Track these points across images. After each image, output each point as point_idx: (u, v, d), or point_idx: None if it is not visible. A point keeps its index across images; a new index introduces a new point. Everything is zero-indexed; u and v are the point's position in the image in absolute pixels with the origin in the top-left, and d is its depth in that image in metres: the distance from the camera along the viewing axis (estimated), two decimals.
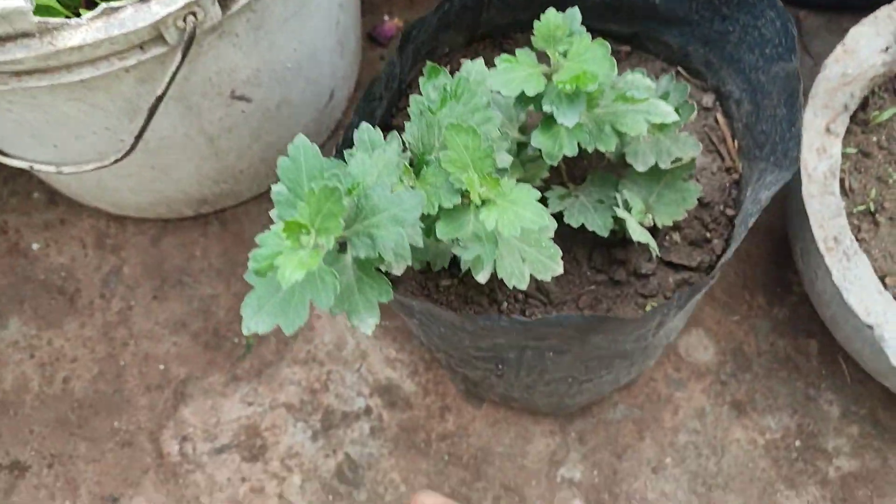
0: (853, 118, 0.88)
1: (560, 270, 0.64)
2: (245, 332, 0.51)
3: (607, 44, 0.63)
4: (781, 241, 1.00)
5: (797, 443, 0.93)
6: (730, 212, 0.78)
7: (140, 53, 0.70)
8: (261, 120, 0.90)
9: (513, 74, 0.64)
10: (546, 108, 0.65)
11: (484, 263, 0.63)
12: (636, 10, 0.79)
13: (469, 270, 0.63)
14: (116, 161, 0.80)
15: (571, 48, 0.64)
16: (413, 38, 0.72)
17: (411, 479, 0.93)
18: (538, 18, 0.65)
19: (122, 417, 0.97)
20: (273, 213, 0.58)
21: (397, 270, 0.57)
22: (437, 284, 0.76)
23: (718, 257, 0.77)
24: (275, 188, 0.52)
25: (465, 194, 0.58)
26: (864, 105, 0.89)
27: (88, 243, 1.04)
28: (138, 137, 0.77)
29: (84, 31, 0.66)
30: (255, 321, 0.51)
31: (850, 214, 0.84)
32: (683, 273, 0.77)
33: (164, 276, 1.02)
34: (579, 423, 0.94)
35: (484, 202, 0.56)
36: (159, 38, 0.70)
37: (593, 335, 0.67)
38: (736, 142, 0.80)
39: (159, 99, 0.73)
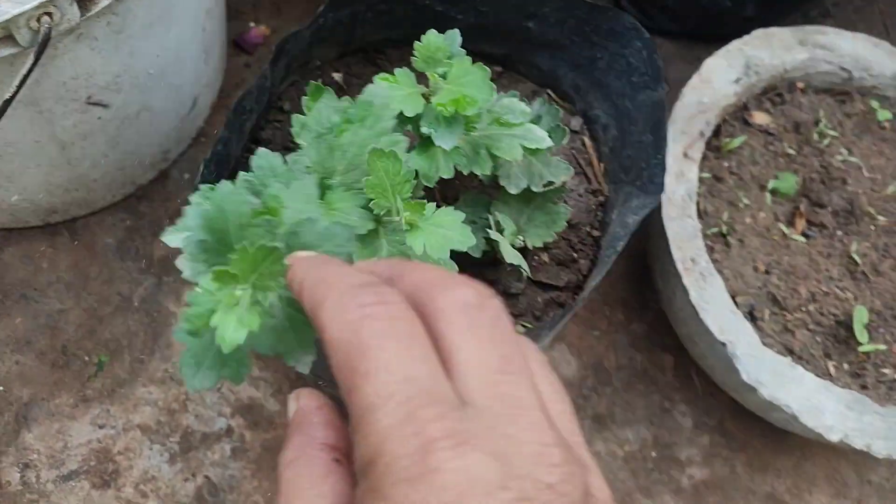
0: (707, 145, 0.93)
1: None
2: (190, 390, 0.48)
3: (487, 69, 0.63)
4: (640, 260, 1.04)
5: (653, 453, 0.96)
6: (596, 233, 0.80)
7: None
8: (119, 127, 0.86)
9: (392, 94, 0.63)
10: (424, 129, 0.64)
11: None
12: (510, 32, 0.80)
13: None
14: None
15: (451, 70, 0.64)
16: (286, 51, 0.70)
17: (275, 500, 0.90)
18: (412, 36, 0.65)
19: None
20: (173, 239, 0.55)
21: None
22: None
23: (585, 277, 0.79)
24: (192, 217, 0.49)
25: (378, 219, 0.57)
26: (716, 132, 0.94)
27: None
28: None
29: None
30: (197, 379, 0.48)
31: (704, 236, 0.88)
32: (551, 292, 0.78)
33: (6, 289, 0.95)
34: None
35: (410, 226, 0.56)
36: (9, 39, 0.65)
37: None
38: (602, 165, 0.83)
39: (6, 103, 0.68)
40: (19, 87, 0.67)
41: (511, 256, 0.69)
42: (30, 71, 0.66)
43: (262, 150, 0.57)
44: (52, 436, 0.90)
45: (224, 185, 0.48)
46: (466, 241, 0.59)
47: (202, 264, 0.49)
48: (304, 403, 0.37)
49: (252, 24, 1.08)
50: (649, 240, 0.94)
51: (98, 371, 0.93)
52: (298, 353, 0.51)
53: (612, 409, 0.98)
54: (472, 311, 0.32)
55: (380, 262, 0.38)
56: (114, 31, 0.73)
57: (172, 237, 0.57)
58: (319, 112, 0.64)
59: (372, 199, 0.57)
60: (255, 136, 0.76)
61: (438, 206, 0.75)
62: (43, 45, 0.64)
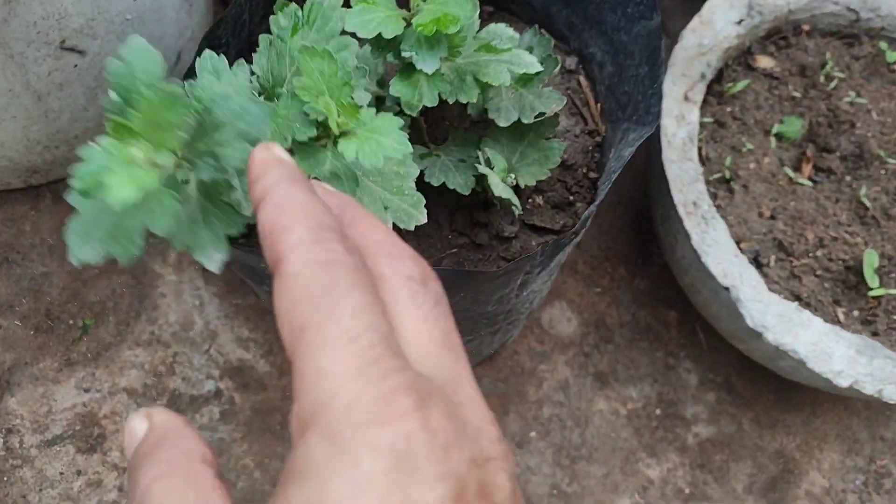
0: (709, 89, 0.89)
1: (424, 219, 0.61)
2: (74, 262, 0.45)
3: None
4: (642, 214, 1.01)
5: (657, 411, 0.93)
6: (593, 175, 0.77)
7: None
8: (97, 78, 0.83)
9: (370, 16, 0.60)
10: (405, 53, 0.61)
11: None
12: None
13: None
14: None
15: None
16: None
17: (266, 463, 0.87)
18: None
19: None
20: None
21: (247, 210, 0.52)
22: None
23: (583, 221, 0.75)
24: (109, 97, 0.46)
25: (321, 129, 0.54)
26: (719, 77, 0.91)
27: None
28: None
29: None
30: (82, 250, 0.45)
31: (706, 182, 0.85)
32: (547, 236, 0.75)
33: None
34: None
35: (342, 133, 0.52)
36: None
37: (454, 292, 0.64)
38: (599, 104, 0.79)
39: None
40: None
41: (500, 189, 0.65)
42: None
43: (206, 52, 0.54)
44: (35, 400, 0.88)
45: (135, 39, 0.44)
46: (402, 148, 0.53)
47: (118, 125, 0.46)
48: (166, 419, 0.34)
49: None
50: (650, 187, 0.90)
51: (83, 334, 0.91)
52: (209, 248, 0.48)
53: (614, 367, 0.94)
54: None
55: (332, 195, 0.35)
56: None
57: None
58: (276, 21, 0.61)
59: (307, 103, 0.53)
60: None
61: (427, 147, 0.72)
62: None
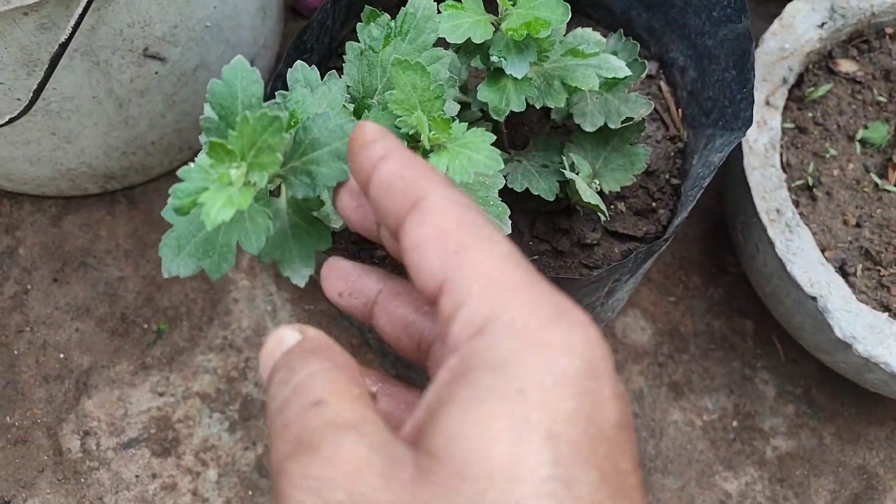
0: (789, 94, 0.87)
1: (508, 230, 0.60)
2: (165, 275, 0.45)
3: None
4: (717, 222, 0.99)
5: (734, 423, 0.91)
6: (675, 181, 0.76)
7: None
8: (175, 84, 0.83)
9: (459, 21, 0.59)
10: (494, 58, 0.61)
11: None
12: None
13: None
14: (11, 120, 0.72)
15: None
16: None
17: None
18: None
19: (15, 412, 0.88)
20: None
21: (336, 223, 0.52)
22: (372, 255, 0.71)
23: (664, 227, 0.74)
24: (205, 114, 0.46)
25: (411, 140, 0.53)
26: (798, 82, 0.89)
27: None
28: (37, 93, 0.70)
29: None
30: (175, 264, 0.45)
31: (788, 189, 0.83)
32: (629, 243, 0.74)
33: (66, 257, 0.94)
34: None
35: (433, 147, 0.51)
36: None
37: None
38: (680, 110, 0.78)
39: (62, 47, 0.66)
40: (75, 27, 0.65)
41: (588, 195, 0.64)
42: (85, 9, 0.64)
43: (298, 63, 0.54)
44: (112, 403, 0.88)
45: (237, 60, 0.44)
46: (494, 164, 0.53)
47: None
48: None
49: None
50: (729, 194, 0.88)
51: (157, 339, 0.91)
52: (297, 263, 0.48)
53: (689, 377, 0.92)
54: None
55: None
56: None
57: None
58: (367, 31, 0.60)
59: (399, 117, 0.53)
60: None
61: (508, 153, 0.71)
62: None
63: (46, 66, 0.67)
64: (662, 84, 0.79)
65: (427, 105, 0.51)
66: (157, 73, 0.80)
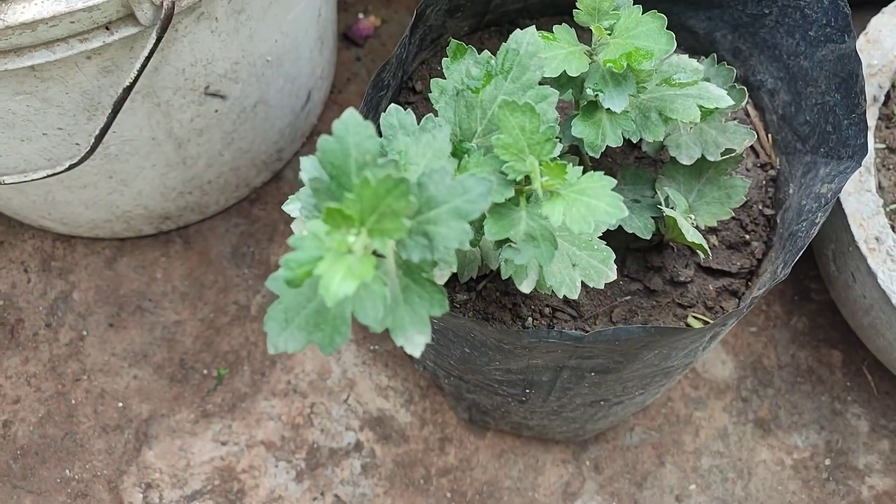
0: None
1: (613, 276, 0.56)
2: (271, 350, 0.41)
3: (663, 16, 0.55)
4: None
5: (826, 461, 0.86)
6: (769, 211, 0.71)
7: (105, 34, 0.60)
8: (235, 122, 0.80)
9: (552, 52, 0.56)
10: (589, 91, 0.57)
11: (528, 270, 0.54)
12: None
13: (492, 282, 0.54)
14: (71, 167, 0.69)
15: (619, 22, 0.56)
16: (426, 17, 0.64)
17: None
18: (552, 4, 0.57)
19: (75, 465, 0.84)
20: (293, 208, 0.48)
21: (440, 279, 0.48)
22: (453, 300, 0.67)
23: (759, 261, 0.70)
24: (307, 169, 0.42)
25: (517, 187, 0.49)
26: (885, 100, 0.84)
27: (31, 267, 0.92)
28: (99, 139, 0.67)
29: (40, 3, 0.55)
30: (282, 339, 0.41)
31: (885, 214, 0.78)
32: (723, 279, 0.69)
33: (121, 301, 0.91)
34: (594, 450, 0.86)
35: (547, 194, 0.47)
36: (129, 17, 0.60)
37: (646, 351, 0.59)
38: (770, 135, 0.73)
39: (127, 91, 0.63)
40: (140, 70, 0.62)
41: (691, 235, 0.60)
42: (152, 51, 0.60)
43: (392, 107, 0.50)
44: (173, 453, 0.85)
45: (348, 113, 0.40)
46: (616, 212, 0.48)
47: (313, 211, 0.42)
48: None
49: (361, 15, 1.03)
50: None
51: (217, 384, 0.88)
52: (410, 329, 0.44)
53: (776, 413, 0.87)
54: None
55: None
56: (234, 10, 0.67)
57: (293, 205, 0.50)
58: (460, 71, 0.56)
59: (506, 162, 0.48)
60: None
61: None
62: (166, 22, 0.59)
63: (109, 110, 0.64)
64: (749, 108, 0.74)
65: (537, 148, 0.47)
66: (216, 111, 0.77)
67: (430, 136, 0.44)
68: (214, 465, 0.85)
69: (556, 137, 0.47)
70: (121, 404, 0.87)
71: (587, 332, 0.65)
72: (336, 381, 0.88)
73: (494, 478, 0.85)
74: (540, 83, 0.55)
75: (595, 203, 0.46)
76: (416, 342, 0.43)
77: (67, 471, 0.84)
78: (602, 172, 0.47)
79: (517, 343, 0.57)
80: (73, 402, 0.87)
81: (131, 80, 0.62)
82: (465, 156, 0.49)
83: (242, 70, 0.75)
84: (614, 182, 0.47)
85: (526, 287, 0.54)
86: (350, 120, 0.39)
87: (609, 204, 0.46)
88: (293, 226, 0.48)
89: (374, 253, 0.42)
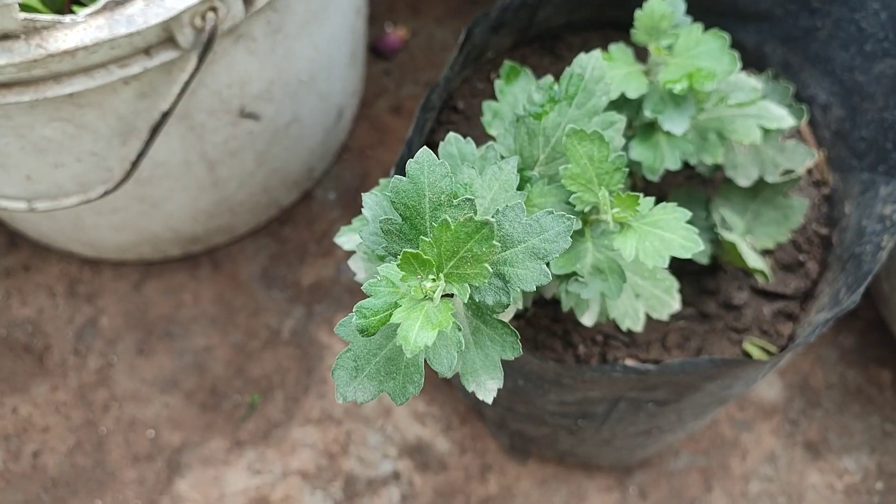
0: None
1: (678, 307, 0.54)
2: (339, 400, 0.39)
3: (725, 36, 0.53)
4: None
5: (879, 485, 0.83)
6: (823, 231, 0.69)
7: (145, 60, 0.58)
8: (268, 142, 0.78)
9: (611, 73, 0.53)
10: (648, 113, 0.55)
11: (590, 302, 0.52)
12: (711, 3, 0.70)
13: (541, 307, 0.52)
14: (107, 193, 0.67)
15: (678, 41, 0.54)
16: (475, 35, 0.62)
17: None
18: (598, 18, 0.55)
19: (106, 495, 0.82)
20: (346, 240, 0.46)
21: (505, 316, 0.46)
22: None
23: (815, 282, 0.67)
24: (370, 206, 0.40)
25: (583, 217, 0.47)
26: None
27: (58, 292, 0.90)
28: (135, 164, 0.65)
29: (82, 30, 0.53)
30: (352, 388, 0.39)
31: None
32: (778, 302, 0.67)
33: (149, 326, 0.89)
34: (639, 476, 0.83)
35: (620, 226, 0.45)
36: (169, 41, 0.58)
37: (710, 382, 0.57)
38: (823, 152, 0.71)
39: (165, 115, 0.61)
40: (180, 95, 0.60)
41: (752, 260, 0.58)
42: (193, 75, 0.58)
43: (452, 135, 0.48)
44: (207, 483, 0.83)
45: (424, 153, 0.38)
46: (692, 245, 0.46)
47: (382, 253, 0.40)
48: None
49: (389, 27, 1.01)
50: None
51: (250, 412, 0.86)
52: (482, 374, 0.41)
53: (825, 435, 0.85)
54: None
55: None
56: (272, 29, 0.65)
57: (346, 237, 0.48)
58: (515, 94, 0.54)
59: (573, 193, 0.46)
60: (429, 140, 0.68)
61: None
62: (207, 46, 0.57)
63: (146, 135, 0.62)
64: (802, 124, 0.72)
65: (605, 178, 0.45)
66: (250, 132, 0.75)
67: (496, 167, 0.42)
68: (249, 495, 0.82)
69: (626, 167, 0.45)
70: (152, 433, 0.85)
71: (641, 360, 0.63)
72: (372, 407, 0.86)
73: None
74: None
75: (669, 236, 0.44)
76: (488, 388, 0.41)
77: (99, 502, 0.82)
78: (674, 204, 0.45)
79: (578, 378, 0.54)
80: (103, 431, 0.84)
81: (170, 105, 0.60)
82: (528, 185, 0.47)
83: (277, 90, 0.73)
84: (689, 214, 0.44)
85: (588, 320, 0.52)
86: (424, 159, 0.37)
87: (684, 237, 0.44)
88: (351, 263, 0.46)
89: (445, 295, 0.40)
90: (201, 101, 0.67)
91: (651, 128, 0.56)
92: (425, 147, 0.37)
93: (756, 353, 0.63)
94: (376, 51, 0.99)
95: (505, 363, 0.60)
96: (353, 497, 0.82)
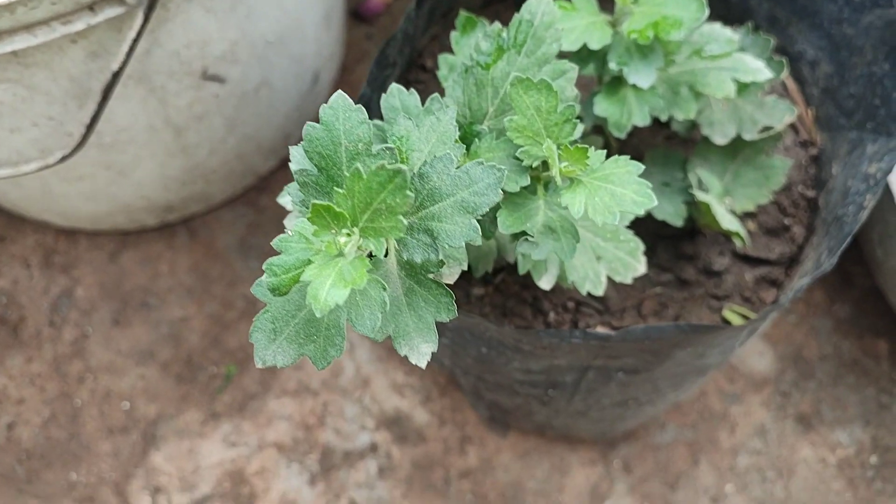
0: None
1: (643, 269, 0.51)
2: (258, 364, 0.37)
3: None
4: None
5: (873, 458, 0.80)
6: (810, 193, 0.65)
7: (90, 16, 0.55)
8: (237, 106, 0.76)
9: (571, 23, 0.51)
10: (613, 65, 0.52)
11: (548, 265, 0.49)
12: None
13: (510, 274, 0.49)
14: (64, 158, 0.65)
15: None
16: None
17: None
18: None
19: (81, 468, 0.81)
20: (287, 201, 0.43)
21: (449, 278, 0.43)
22: (469, 294, 0.62)
23: (800, 247, 0.64)
24: (297, 159, 0.38)
25: (533, 173, 0.44)
26: None
27: (33, 263, 0.88)
28: (90, 127, 0.62)
29: None
30: (271, 352, 0.37)
31: None
32: (761, 268, 0.64)
33: (125, 297, 0.87)
34: (623, 449, 0.81)
35: (566, 181, 0.42)
36: None
37: (679, 349, 0.54)
38: (811, 110, 0.68)
39: (115, 75, 0.59)
40: (129, 54, 0.57)
41: (727, 222, 0.55)
42: (140, 33, 0.56)
43: (394, 86, 0.45)
44: (181, 456, 0.81)
45: (339, 97, 0.35)
46: (645, 201, 0.43)
47: (300, 207, 0.37)
48: None
49: None
50: None
51: (226, 383, 0.84)
52: (415, 337, 0.39)
53: (818, 408, 0.82)
54: None
55: None
56: None
57: (287, 198, 0.46)
58: (469, 45, 0.51)
59: (520, 147, 0.43)
60: None
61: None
62: (152, 2, 0.54)
63: (99, 96, 0.60)
64: (788, 81, 0.69)
65: (554, 131, 0.42)
66: (216, 95, 0.72)
67: (434, 118, 0.39)
68: (224, 467, 0.81)
69: (577, 118, 0.42)
70: (127, 405, 0.83)
71: (614, 327, 0.60)
72: (349, 378, 0.84)
73: (518, 479, 0.80)
74: (558, 57, 0.49)
75: (620, 191, 0.41)
76: (421, 351, 0.39)
77: (73, 474, 0.81)
78: (628, 156, 0.42)
79: (537, 343, 0.52)
80: (78, 403, 0.83)
81: (119, 64, 0.58)
82: (476, 140, 0.45)
83: (242, 51, 0.70)
84: (642, 167, 0.42)
85: (545, 284, 0.49)
86: (339, 104, 0.34)
87: (636, 192, 0.41)
88: (286, 222, 0.43)
89: (371, 255, 0.37)
90: (159, 62, 0.64)
91: (618, 82, 0.53)
92: (340, 91, 0.34)
93: (736, 320, 0.60)
94: (358, 15, 0.97)
95: (467, 330, 0.57)
96: (329, 469, 0.81)
